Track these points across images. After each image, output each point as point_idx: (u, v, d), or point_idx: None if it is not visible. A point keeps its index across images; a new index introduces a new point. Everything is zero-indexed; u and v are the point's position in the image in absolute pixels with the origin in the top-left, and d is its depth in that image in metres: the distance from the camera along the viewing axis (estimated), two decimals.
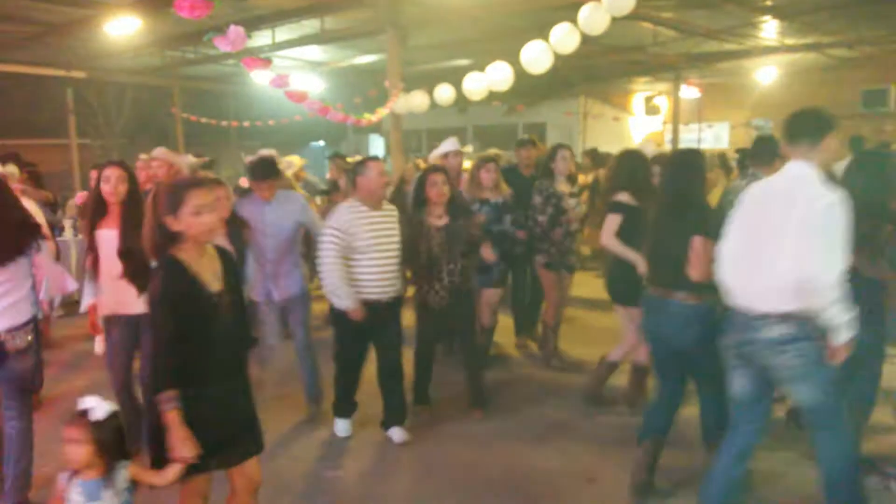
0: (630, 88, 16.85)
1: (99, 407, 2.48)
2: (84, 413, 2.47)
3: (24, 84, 16.25)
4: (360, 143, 20.51)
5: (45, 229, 3.84)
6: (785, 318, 2.88)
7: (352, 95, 11.33)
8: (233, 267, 2.78)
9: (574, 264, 5.76)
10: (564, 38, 6.41)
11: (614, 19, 6.10)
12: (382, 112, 8.45)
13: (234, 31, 5.23)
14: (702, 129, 15.58)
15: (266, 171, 4.62)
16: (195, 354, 2.55)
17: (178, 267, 2.58)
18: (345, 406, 4.48)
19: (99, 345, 3.95)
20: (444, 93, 8.05)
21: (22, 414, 3.37)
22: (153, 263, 2.63)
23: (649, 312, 3.68)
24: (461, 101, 8.28)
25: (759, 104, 14.40)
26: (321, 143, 24.43)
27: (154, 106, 18.98)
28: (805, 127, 3.02)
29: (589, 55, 10.32)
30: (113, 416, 2.51)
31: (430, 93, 8.20)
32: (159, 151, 5.84)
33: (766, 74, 13.60)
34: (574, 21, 6.23)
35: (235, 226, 4.44)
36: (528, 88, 10.67)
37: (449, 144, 6.00)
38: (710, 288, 3.32)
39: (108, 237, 3.80)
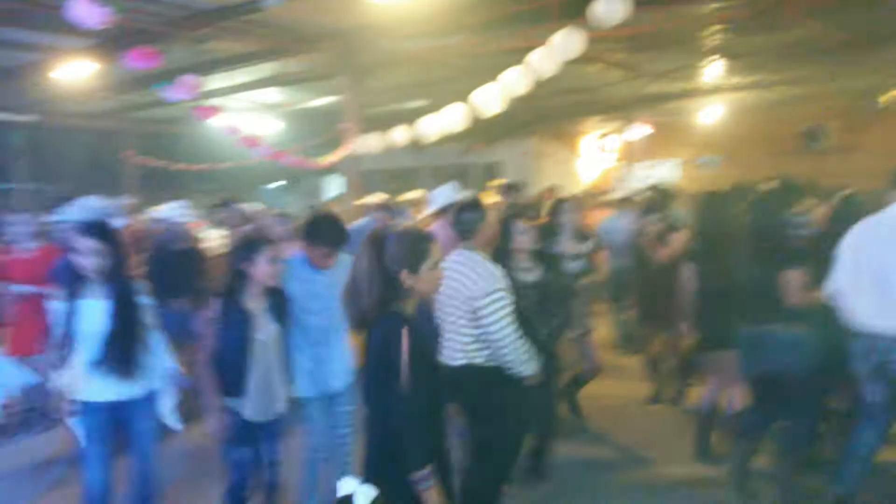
0: (582, 128, 17.25)
1: (362, 494, 2.18)
2: (347, 500, 2.17)
3: None
4: (317, 184, 20.47)
5: None
6: None
7: (309, 137, 11.37)
8: None
9: (588, 326, 5.16)
10: (516, 80, 6.56)
11: (565, 62, 6.27)
12: (339, 154, 8.50)
13: (187, 80, 5.22)
14: (653, 167, 16.00)
15: (336, 236, 3.61)
16: (435, 422, 2.34)
17: (418, 328, 2.29)
18: None
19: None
20: (400, 134, 8.14)
21: None
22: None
23: (750, 348, 3.96)
24: (417, 142, 8.37)
25: (706, 141, 14.87)
26: (279, 184, 24.31)
27: (107, 149, 18.69)
28: None
29: (542, 96, 10.57)
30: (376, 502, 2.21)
31: (386, 134, 8.29)
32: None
33: (713, 113, 14.11)
34: (526, 63, 6.39)
35: (279, 299, 3.43)
36: (484, 129, 10.85)
37: (447, 193, 5.04)
38: (804, 318, 3.76)
39: (94, 308, 3.18)
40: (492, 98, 6.83)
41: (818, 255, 3.85)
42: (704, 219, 4.59)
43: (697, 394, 5.19)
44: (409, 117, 8.05)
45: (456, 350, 3.48)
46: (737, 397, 4.46)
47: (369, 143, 8.31)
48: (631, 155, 15.76)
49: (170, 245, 5.47)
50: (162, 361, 3.47)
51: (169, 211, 5.39)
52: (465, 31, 7.00)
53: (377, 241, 2.35)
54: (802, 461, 4.00)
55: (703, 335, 4.58)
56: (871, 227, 3.57)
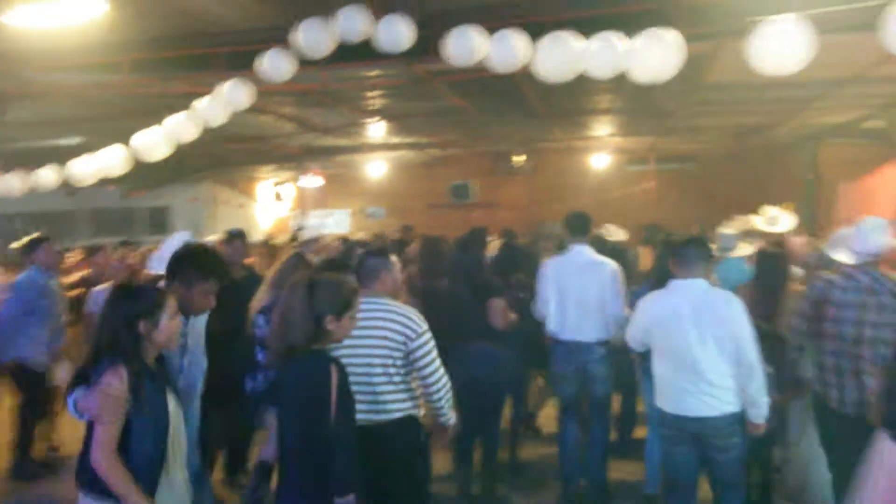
0: (256, 176, 17.29)
1: None
2: None
3: None
4: None
5: None
6: (602, 343, 4.55)
7: None
8: None
9: None
10: (182, 126, 6.43)
11: (234, 111, 6.33)
12: None
13: None
14: (326, 216, 16.64)
15: (217, 266, 3.21)
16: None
17: (343, 366, 2.52)
18: None
19: None
20: (48, 175, 7.34)
21: None
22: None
23: (459, 359, 4.45)
24: (69, 184, 7.62)
25: (372, 193, 16.01)
26: None
27: None
28: (586, 225, 4.70)
29: (213, 142, 10.41)
30: None
31: (31, 173, 7.41)
32: None
33: (377, 167, 15.32)
34: (193, 109, 6.30)
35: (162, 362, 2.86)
36: (149, 172, 10.26)
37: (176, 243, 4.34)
38: (500, 338, 4.65)
39: None
40: (156, 141, 6.58)
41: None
42: (428, 260, 5.36)
43: None
44: (61, 156, 7.30)
45: (387, 403, 3.21)
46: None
47: (9, 184, 7.33)
48: (305, 203, 16.22)
49: None
50: None
51: None
52: (126, 69, 6.64)
53: (310, 285, 2.61)
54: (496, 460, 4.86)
55: None
56: (564, 264, 4.67)
